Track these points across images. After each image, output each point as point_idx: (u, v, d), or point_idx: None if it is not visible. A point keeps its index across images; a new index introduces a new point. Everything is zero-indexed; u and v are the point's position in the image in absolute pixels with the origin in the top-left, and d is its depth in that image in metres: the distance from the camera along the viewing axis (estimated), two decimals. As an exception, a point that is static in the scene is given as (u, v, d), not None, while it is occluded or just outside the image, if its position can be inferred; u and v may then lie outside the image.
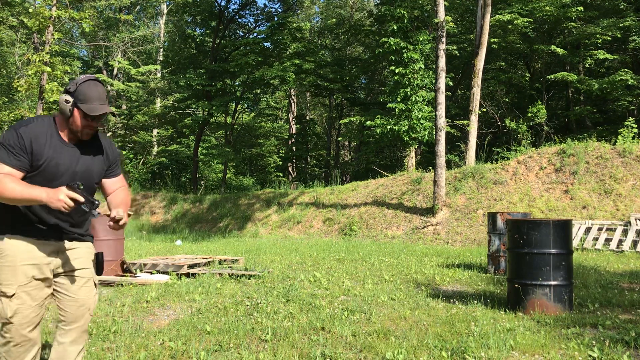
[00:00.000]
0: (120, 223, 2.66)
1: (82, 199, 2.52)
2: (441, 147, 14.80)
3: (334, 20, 31.43)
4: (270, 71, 21.91)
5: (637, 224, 11.55)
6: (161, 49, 32.11)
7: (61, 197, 2.45)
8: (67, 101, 2.60)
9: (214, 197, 22.38)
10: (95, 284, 2.86)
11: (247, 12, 27.81)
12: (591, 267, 8.38)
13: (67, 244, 2.76)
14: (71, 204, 2.47)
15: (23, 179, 2.56)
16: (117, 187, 2.90)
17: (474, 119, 17.25)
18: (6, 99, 19.73)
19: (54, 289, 2.75)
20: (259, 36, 26.11)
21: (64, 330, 2.77)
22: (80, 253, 2.79)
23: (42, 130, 2.61)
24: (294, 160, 30.02)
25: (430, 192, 15.51)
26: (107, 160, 2.84)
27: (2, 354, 2.64)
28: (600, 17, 21.44)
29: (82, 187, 2.58)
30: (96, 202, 2.59)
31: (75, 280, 2.76)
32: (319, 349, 3.86)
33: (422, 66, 18.62)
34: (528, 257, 5.10)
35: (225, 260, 8.76)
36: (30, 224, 2.65)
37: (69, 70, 18.71)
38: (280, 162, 32.79)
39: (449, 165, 18.42)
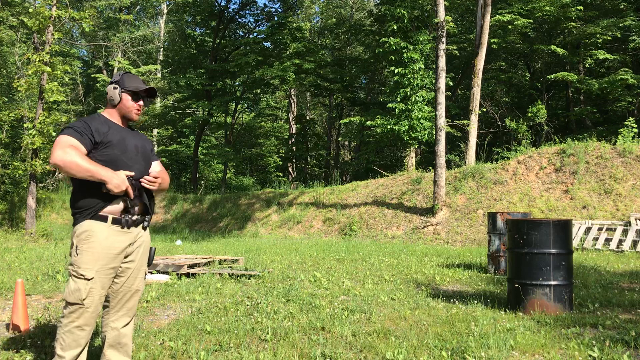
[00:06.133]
0: (155, 178, 3.07)
1: (131, 195, 2.89)
2: (441, 147, 14.80)
3: (334, 20, 31.41)
4: (270, 71, 21.90)
5: (637, 224, 11.55)
6: (161, 49, 32.10)
7: (119, 181, 2.80)
8: (115, 88, 3.02)
9: (214, 197, 22.38)
10: (145, 274, 3.19)
11: (247, 12, 27.81)
12: (591, 267, 8.38)
13: (140, 232, 3.06)
14: (123, 189, 2.83)
15: (99, 152, 2.88)
16: (160, 168, 3.23)
17: (474, 119, 17.24)
18: (6, 99, 19.70)
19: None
20: (259, 36, 26.11)
21: (116, 316, 3.06)
22: (143, 246, 3.10)
23: (101, 119, 3.02)
24: (294, 160, 30.01)
25: (430, 192, 15.51)
26: (150, 144, 3.25)
27: (60, 336, 2.84)
28: (600, 17, 21.45)
29: (140, 189, 2.97)
30: (148, 214, 3.04)
31: (133, 271, 3.06)
32: (319, 349, 3.86)
33: (422, 66, 18.62)
34: (528, 257, 5.09)
35: (225, 260, 8.76)
36: (116, 211, 2.92)
37: (69, 70, 18.69)
38: (280, 162, 32.79)
39: (449, 165, 18.42)
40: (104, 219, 2.88)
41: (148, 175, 3.06)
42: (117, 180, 2.81)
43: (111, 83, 3.07)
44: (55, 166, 2.76)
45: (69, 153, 2.73)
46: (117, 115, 3.08)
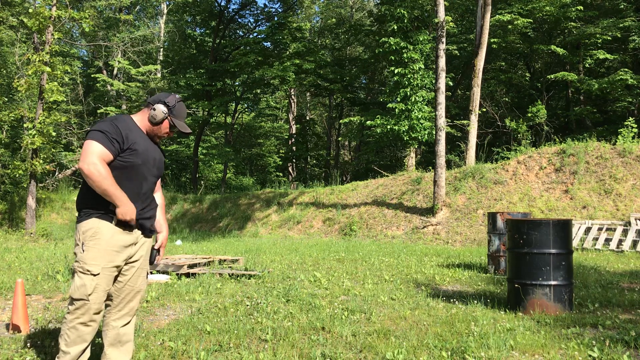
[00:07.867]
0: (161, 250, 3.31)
1: (133, 223, 3.00)
2: (441, 147, 14.80)
3: (334, 20, 31.42)
4: (270, 71, 21.91)
5: (637, 224, 11.55)
6: (161, 49, 32.10)
7: (133, 216, 2.93)
8: (164, 112, 3.10)
9: (214, 197, 22.38)
10: (147, 273, 3.25)
11: (247, 12, 27.82)
12: (591, 267, 8.38)
13: (141, 237, 3.14)
14: (128, 220, 2.93)
15: (122, 156, 2.95)
16: (158, 187, 3.35)
17: (474, 119, 17.24)
18: (6, 99, 19.69)
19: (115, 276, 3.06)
20: (259, 36, 26.11)
21: (117, 315, 3.10)
22: (145, 247, 3.17)
23: (132, 124, 3.08)
24: (294, 160, 30.01)
25: (430, 192, 15.51)
26: (163, 158, 3.33)
27: (64, 332, 2.88)
28: (600, 17, 21.44)
29: (148, 221, 3.13)
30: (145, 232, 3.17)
31: (136, 270, 3.12)
32: (319, 349, 3.86)
33: (422, 66, 18.61)
34: (528, 257, 5.09)
35: (225, 260, 8.76)
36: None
37: (69, 70, 18.68)
38: (280, 162, 32.78)
39: (449, 165, 18.42)
40: (109, 219, 2.95)
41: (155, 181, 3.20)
42: (128, 209, 2.91)
43: (164, 103, 3.11)
44: (80, 171, 2.85)
45: (98, 166, 2.81)
46: (146, 126, 3.15)
